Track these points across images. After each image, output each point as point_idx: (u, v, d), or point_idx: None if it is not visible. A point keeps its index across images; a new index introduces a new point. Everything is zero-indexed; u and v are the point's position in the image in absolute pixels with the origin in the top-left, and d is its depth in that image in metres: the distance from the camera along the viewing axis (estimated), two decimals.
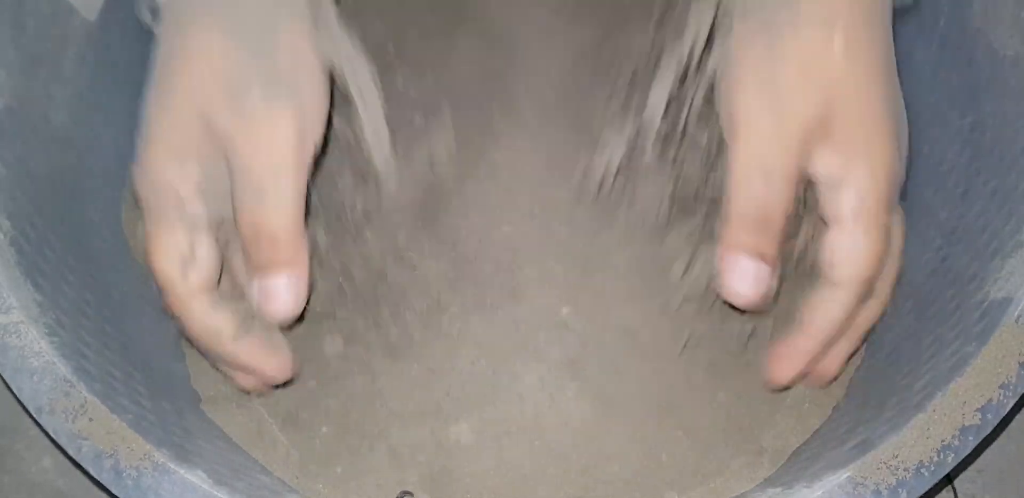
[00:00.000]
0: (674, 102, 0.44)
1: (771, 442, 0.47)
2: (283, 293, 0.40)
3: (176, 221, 0.38)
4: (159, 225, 0.39)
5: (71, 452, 0.35)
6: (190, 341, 0.42)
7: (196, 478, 0.35)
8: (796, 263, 0.44)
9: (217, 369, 0.45)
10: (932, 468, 0.34)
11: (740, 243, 0.38)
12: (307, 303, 0.42)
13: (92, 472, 0.35)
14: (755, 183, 0.37)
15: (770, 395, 0.48)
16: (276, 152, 0.37)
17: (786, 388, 0.46)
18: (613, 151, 0.47)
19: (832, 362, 0.43)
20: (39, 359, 0.36)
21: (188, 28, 0.39)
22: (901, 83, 0.40)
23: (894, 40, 0.40)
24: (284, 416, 0.48)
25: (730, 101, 0.38)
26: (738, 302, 0.39)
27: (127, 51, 0.49)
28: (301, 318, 0.43)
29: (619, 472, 0.47)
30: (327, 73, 0.40)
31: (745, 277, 0.38)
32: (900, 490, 0.34)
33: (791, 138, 0.36)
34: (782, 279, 0.41)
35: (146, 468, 0.35)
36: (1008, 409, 0.35)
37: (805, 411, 0.47)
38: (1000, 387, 0.35)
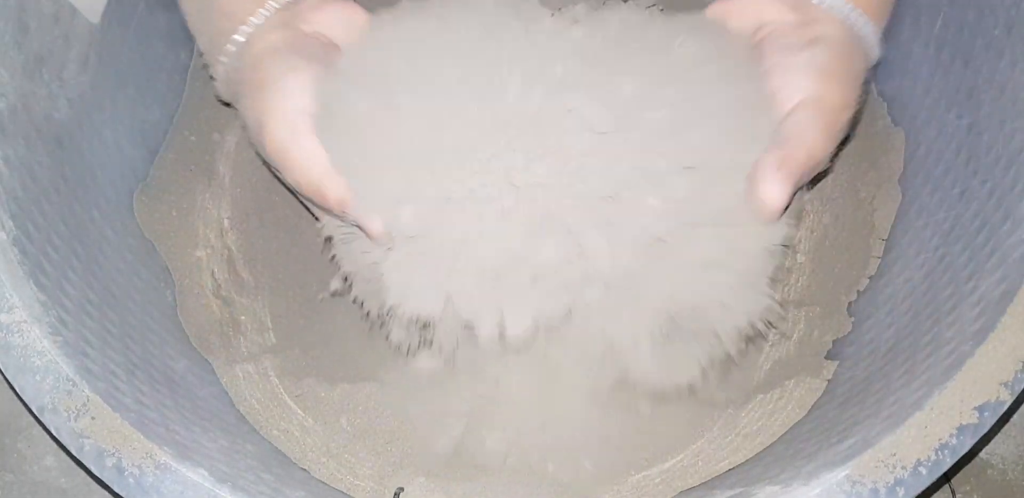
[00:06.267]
0: None
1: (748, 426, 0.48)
2: None
3: None
4: None
5: (73, 451, 0.35)
6: None
7: (197, 476, 0.35)
8: None
9: None
10: (930, 466, 0.34)
11: None
12: None
13: (94, 470, 0.35)
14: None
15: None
16: None
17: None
18: None
19: None
20: (41, 358, 0.36)
21: None
22: (899, 84, 0.40)
23: (893, 40, 0.40)
24: (285, 413, 0.48)
25: None
26: None
27: (129, 52, 0.49)
28: None
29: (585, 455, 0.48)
30: None
31: None
32: (898, 488, 0.34)
33: None
34: None
35: (148, 466, 0.35)
36: (1006, 408, 0.35)
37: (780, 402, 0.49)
38: (998, 386, 0.35)
